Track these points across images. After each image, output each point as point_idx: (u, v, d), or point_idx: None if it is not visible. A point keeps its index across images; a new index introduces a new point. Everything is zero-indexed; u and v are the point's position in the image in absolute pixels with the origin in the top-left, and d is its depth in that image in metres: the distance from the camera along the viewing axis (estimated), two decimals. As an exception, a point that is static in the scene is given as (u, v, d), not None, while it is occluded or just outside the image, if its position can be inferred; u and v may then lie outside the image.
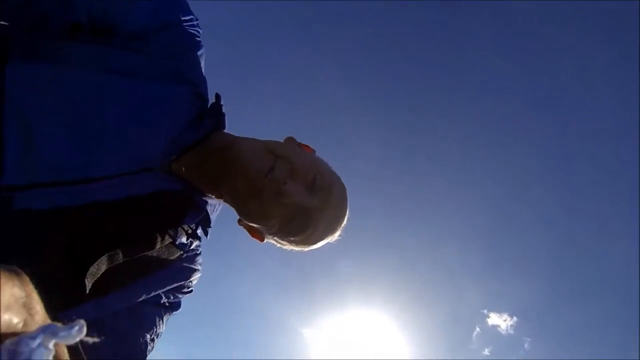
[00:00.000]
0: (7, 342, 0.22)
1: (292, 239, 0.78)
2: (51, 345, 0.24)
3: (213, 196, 0.78)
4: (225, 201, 0.79)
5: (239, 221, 0.82)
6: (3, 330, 0.22)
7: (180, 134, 0.70)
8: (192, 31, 0.77)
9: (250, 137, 0.80)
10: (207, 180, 0.75)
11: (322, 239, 0.80)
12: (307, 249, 0.82)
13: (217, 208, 0.81)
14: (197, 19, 0.77)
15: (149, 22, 0.70)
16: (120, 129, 0.64)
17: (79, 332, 0.25)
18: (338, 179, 0.81)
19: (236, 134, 0.80)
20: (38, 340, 0.23)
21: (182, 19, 0.74)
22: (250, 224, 0.79)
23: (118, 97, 0.65)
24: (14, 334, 0.23)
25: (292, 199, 0.71)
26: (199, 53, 0.78)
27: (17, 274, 0.23)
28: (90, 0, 0.66)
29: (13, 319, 0.22)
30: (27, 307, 0.23)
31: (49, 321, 0.25)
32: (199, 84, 0.76)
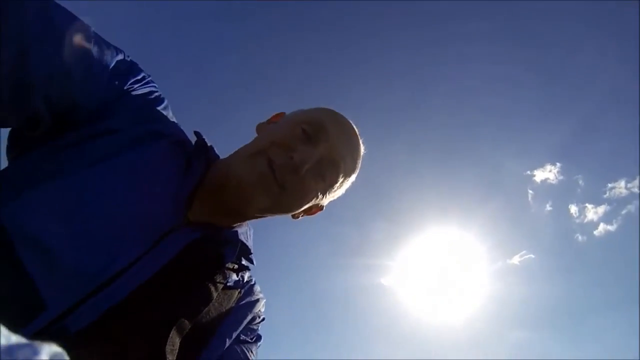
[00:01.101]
0: None
1: (338, 184, 0.79)
2: None
3: (241, 224, 0.77)
4: (259, 218, 0.78)
5: (293, 216, 0.82)
6: None
7: (177, 187, 0.69)
8: (148, 88, 0.75)
9: (234, 150, 0.79)
10: (226, 213, 0.74)
11: (354, 158, 0.81)
12: (354, 176, 0.83)
13: (249, 233, 0.80)
14: (149, 75, 0.75)
15: (105, 94, 0.67)
16: (124, 213, 0.62)
17: None
18: (318, 109, 0.80)
19: (230, 150, 0.79)
20: None
21: (135, 79, 0.72)
22: (303, 210, 0.80)
23: (108, 185, 0.62)
24: None
25: (309, 163, 0.71)
26: (161, 107, 0.76)
27: None
28: (47, 83, 0.58)
29: None
30: None
31: None
32: (173, 133, 0.75)
